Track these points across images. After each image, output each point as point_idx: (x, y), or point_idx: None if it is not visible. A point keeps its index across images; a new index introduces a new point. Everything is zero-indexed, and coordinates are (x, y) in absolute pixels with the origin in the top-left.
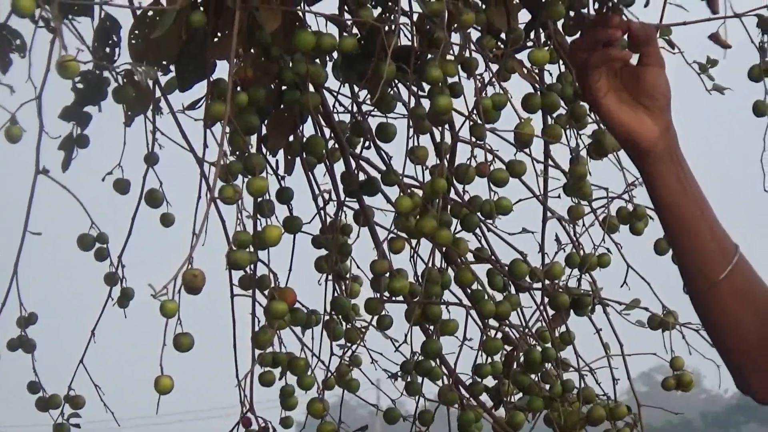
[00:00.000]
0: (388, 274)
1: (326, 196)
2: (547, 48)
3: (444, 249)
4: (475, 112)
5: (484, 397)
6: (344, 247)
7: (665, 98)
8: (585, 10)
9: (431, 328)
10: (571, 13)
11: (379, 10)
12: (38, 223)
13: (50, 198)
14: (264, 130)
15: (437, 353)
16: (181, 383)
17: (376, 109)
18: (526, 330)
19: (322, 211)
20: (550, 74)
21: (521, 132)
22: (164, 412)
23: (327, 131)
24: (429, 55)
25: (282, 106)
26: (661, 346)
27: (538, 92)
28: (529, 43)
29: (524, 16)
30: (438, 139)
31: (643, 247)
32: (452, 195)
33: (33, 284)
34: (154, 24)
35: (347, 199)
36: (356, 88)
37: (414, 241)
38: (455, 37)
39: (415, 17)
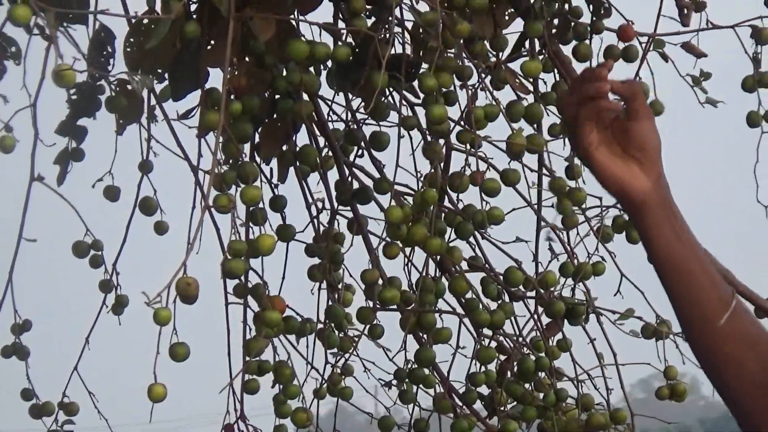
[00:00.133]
0: (381, 283)
1: (320, 204)
2: (541, 57)
3: (438, 257)
4: (464, 121)
5: (478, 406)
6: (336, 255)
7: (656, 150)
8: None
9: (425, 336)
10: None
11: (373, 19)
12: (33, 230)
13: (45, 205)
14: (257, 139)
15: (430, 361)
16: (176, 390)
17: (369, 118)
18: (520, 339)
19: (315, 220)
20: (545, 83)
21: (513, 142)
22: (159, 419)
23: (321, 140)
24: (423, 64)
25: (275, 115)
26: (657, 355)
27: (523, 100)
28: (524, 51)
29: (518, 25)
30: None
31: (636, 256)
32: (446, 203)
33: (28, 291)
34: (150, 33)
35: (340, 207)
36: (350, 96)
37: (408, 250)
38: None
39: (409, 25)
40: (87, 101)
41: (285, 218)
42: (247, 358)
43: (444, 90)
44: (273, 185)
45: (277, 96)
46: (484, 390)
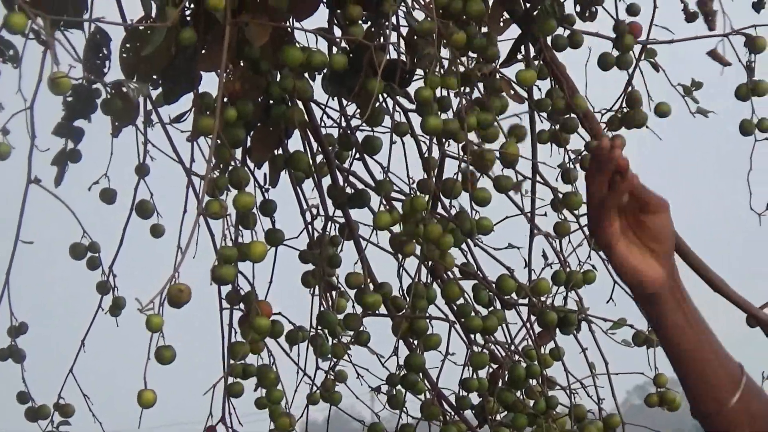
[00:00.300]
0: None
1: (314, 210)
2: (537, 63)
3: (430, 264)
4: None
5: (469, 415)
6: (334, 258)
7: (671, 241)
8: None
9: (415, 342)
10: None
11: (368, 24)
12: (30, 233)
13: (42, 207)
14: (248, 143)
15: (420, 367)
16: (172, 394)
17: (364, 124)
18: (512, 347)
19: (309, 226)
20: (539, 89)
21: (506, 152)
22: (155, 425)
23: (314, 145)
24: (418, 70)
25: (268, 120)
26: (648, 362)
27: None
28: (519, 56)
29: (513, 32)
30: (425, 153)
31: None
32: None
33: (24, 293)
34: (146, 38)
35: (335, 214)
36: (344, 102)
37: (400, 256)
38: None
39: (403, 31)
40: (83, 103)
41: (274, 222)
42: (232, 362)
43: (437, 96)
44: (264, 190)
45: (270, 101)
46: (475, 397)
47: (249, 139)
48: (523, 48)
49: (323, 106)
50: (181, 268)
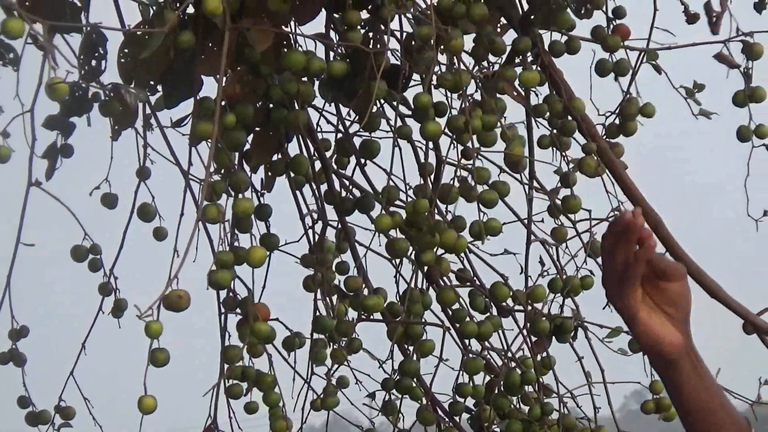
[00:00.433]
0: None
1: (314, 216)
2: (535, 67)
3: (426, 269)
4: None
5: (464, 423)
6: (341, 265)
7: (689, 306)
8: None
9: (410, 348)
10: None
11: (366, 29)
12: (31, 235)
13: (43, 210)
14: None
15: (415, 373)
16: (174, 398)
17: (361, 129)
18: (509, 354)
19: (310, 231)
20: (536, 95)
21: (511, 153)
22: (155, 429)
23: (311, 150)
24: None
25: (268, 123)
26: (644, 369)
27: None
28: (517, 61)
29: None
30: (422, 159)
31: None
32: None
33: (26, 296)
34: (144, 44)
35: (331, 219)
36: (342, 107)
37: (397, 261)
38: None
39: (401, 36)
40: (78, 101)
41: (269, 227)
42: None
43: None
44: (259, 194)
45: (270, 105)
46: (470, 402)
47: (247, 142)
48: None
49: (320, 111)
50: (182, 272)
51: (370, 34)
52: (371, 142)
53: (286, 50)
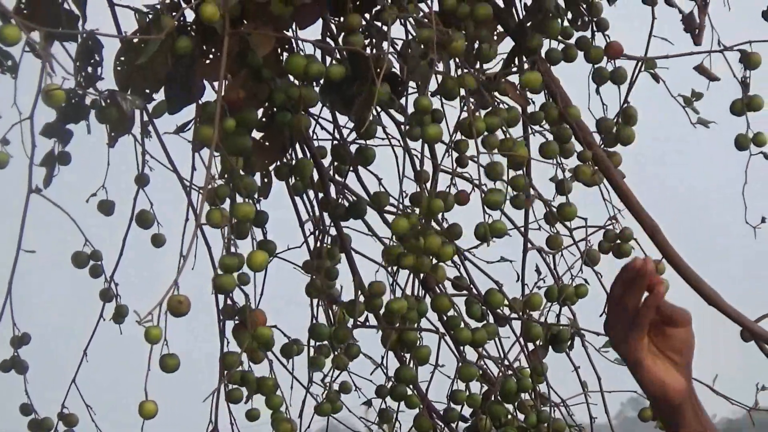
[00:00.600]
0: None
1: (313, 222)
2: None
3: (422, 276)
4: (458, 135)
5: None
6: (332, 271)
7: (692, 352)
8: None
9: (406, 354)
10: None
11: (366, 33)
12: (31, 242)
13: (43, 217)
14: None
15: (411, 379)
16: (175, 404)
17: (357, 136)
18: (505, 362)
19: (310, 237)
20: (533, 103)
21: (515, 154)
22: None
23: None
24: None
25: (270, 128)
26: None
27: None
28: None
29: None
30: (418, 167)
31: None
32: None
33: (27, 303)
34: (140, 51)
35: (329, 225)
36: (338, 114)
37: (392, 268)
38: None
39: (398, 43)
40: (75, 108)
41: (266, 233)
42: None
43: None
44: (255, 201)
45: (274, 109)
46: (466, 411)
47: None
48: (516, 61)
49: (316, 117)
50: (180, 279)
51: (370, 40)
52: (366, 149)
53: (287, 54)
